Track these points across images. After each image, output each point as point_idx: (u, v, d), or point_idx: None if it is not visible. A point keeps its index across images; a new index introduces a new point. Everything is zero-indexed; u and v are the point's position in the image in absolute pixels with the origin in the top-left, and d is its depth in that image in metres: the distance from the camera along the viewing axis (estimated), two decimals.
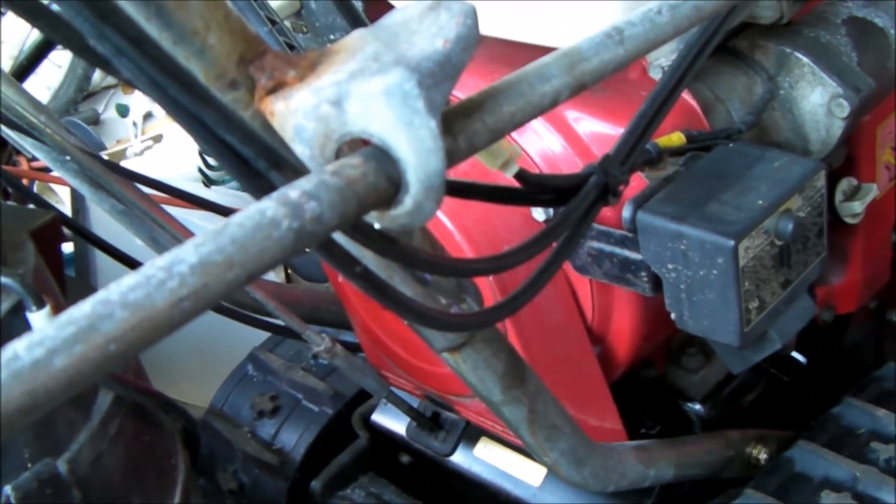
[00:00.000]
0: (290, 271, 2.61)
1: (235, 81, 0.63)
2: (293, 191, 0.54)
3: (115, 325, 0.47)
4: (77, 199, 2.67)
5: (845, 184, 1.40)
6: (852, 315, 1.62)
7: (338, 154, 0.62)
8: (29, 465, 1.17)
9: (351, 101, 0.60)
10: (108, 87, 4.09)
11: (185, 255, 0.50)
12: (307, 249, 0.62)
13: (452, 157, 0.65)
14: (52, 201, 2.80)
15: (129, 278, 0.49)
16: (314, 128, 0.61)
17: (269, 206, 0.53)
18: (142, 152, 2.90)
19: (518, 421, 1.04)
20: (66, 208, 2.70)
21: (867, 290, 1.58)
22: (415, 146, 0.59)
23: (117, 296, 0.48)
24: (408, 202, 0.61)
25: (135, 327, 0.48)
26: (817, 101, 1.31)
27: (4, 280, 1.12)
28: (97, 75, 3.99)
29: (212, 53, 0.61)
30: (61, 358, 0.46)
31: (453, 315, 0.84)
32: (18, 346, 0.45)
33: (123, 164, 2.74)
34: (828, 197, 1.33)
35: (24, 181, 2.66)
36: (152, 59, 0.56)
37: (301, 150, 0.62)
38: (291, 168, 0.61)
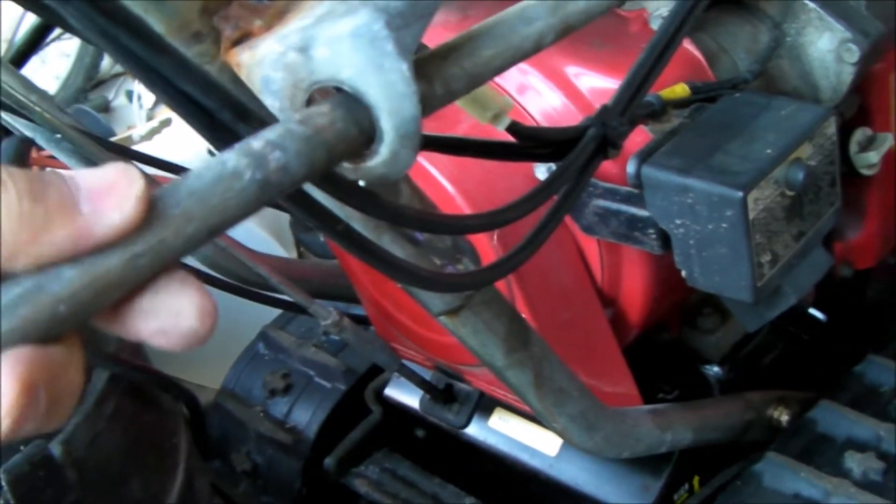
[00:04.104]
0: (302, 249, 2.59)
1: (199, 33, 0.60)
2: (256, 141, 0.51)
3: (64, 285, 0.45)
4: None
5: (860, 134, 1.36)
6: (872, 271, 1.58)
7: (309, 104, 0.58)
8: (21, 447, 1.16)
9: (318, 47, 0.57)
10: (117, 75, 4.07)
11: None
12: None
13: (429, 103, 0.61)
14: None
15: None
16: (282, 77, 0.58)
17: (231, 156, 0.50)
18: (149, 136, 2.87)
19: (524, 386, 1.01)
20: None
21: (886, 244, 1.55)
22: (386, 90, 0.56)
23: None
24: (383, 151, 0.57)
25: (86, 287, 0.45)
26: (825, 47, 1.27)
27: None
28: (106, 63, 3.97)
29: (173, 4, 0.58)
30: (7, 321, 0.43)
31: (448, 275, 0.80)
32: None
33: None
34: (842, 148, 1.30)
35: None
36: (102, 8, 0.53)
37: (271, 103, 0.59)
38: (259, 120, 0.58)
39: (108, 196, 0.46)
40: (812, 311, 1.63)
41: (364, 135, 0.56)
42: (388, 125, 0.57)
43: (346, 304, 1.78)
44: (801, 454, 1.35)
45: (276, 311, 2.01)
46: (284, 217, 2.46)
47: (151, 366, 1.49)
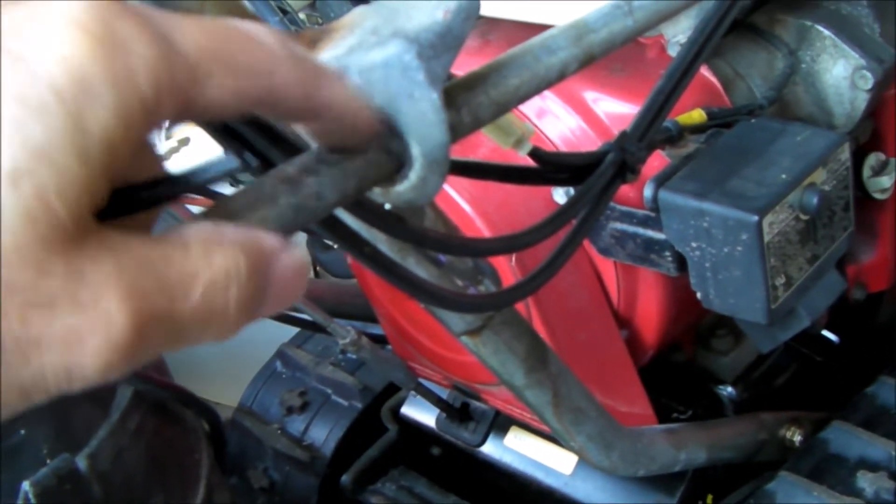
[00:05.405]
0: (318, 269, 2.60)
1: None
2: (291, 167, 0.53)
3: None
4: None
5: (873, 159, 1.38)
6: (885, 293, 1.59)
7: None
8: (48, 461, 1.17)
9: (350, 76, 0.59)
10: None
11: None
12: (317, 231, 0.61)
13: (456, 131, 0.63)
14: None
15: None
16: None
17: (267, 181, 0.52)
18: (168, 155, 2.89)
19: (542, 405, 1.02)
20: None
21: None
22: (416, 119, 0.57)
23: None
24: (412, 177, 0.59)
25: None
26: (840, 73, 1.29)
27: None
28: None
29: None
30: None
31: (469, 296, 0.82)
32: None
33: None
34: (856, 173, 1.31)
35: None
36: None
37: (303, 129, 0.61)
38: (292, 146, 0.60)
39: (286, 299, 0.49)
40: (825, 332, 1.64)
41: (395, 161, 0.58)
42: (417, 152, 0.58)
43: (364, 322, 1.79)
44: (813, 473, 1.36)
45: (293, 330, 2.03)
46: (301, 236, 2.48)
47: (173, 382, 1.50)
